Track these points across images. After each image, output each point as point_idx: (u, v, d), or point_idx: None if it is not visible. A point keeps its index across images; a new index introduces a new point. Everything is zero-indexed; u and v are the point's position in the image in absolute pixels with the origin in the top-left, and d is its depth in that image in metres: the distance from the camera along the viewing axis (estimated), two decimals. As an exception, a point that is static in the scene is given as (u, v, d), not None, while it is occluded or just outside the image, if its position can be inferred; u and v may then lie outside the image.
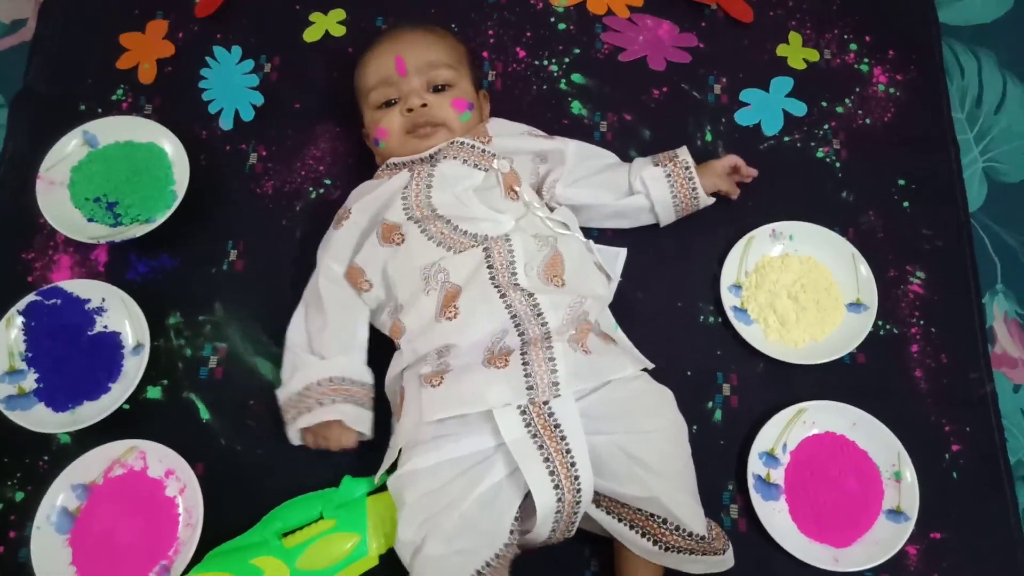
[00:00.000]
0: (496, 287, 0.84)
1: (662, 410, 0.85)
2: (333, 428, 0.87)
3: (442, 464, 0.79)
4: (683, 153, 0.99)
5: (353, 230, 0.93)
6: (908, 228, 1.06)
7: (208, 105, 1.10)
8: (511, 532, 0.78)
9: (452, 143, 0.93)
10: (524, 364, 0.80)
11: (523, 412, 0.79)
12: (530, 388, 0.79)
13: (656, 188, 0.98)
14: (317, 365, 0.88)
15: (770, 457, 0.92)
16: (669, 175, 0.98)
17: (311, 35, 1.16)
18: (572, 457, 0.77)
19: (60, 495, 0.88)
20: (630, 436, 0.80)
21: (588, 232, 0.99)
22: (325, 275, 0.91)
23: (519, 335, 0.82)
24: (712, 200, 1.01)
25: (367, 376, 0.90)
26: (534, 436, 0.78)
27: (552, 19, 1.17)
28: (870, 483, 0.91)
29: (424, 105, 0.94)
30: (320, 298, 0.90)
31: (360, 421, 0.88)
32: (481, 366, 0.81)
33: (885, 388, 0.97)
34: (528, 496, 0.78)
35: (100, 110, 1.11)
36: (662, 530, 0.79)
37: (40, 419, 0.92)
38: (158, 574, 0.86)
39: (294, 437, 0.89)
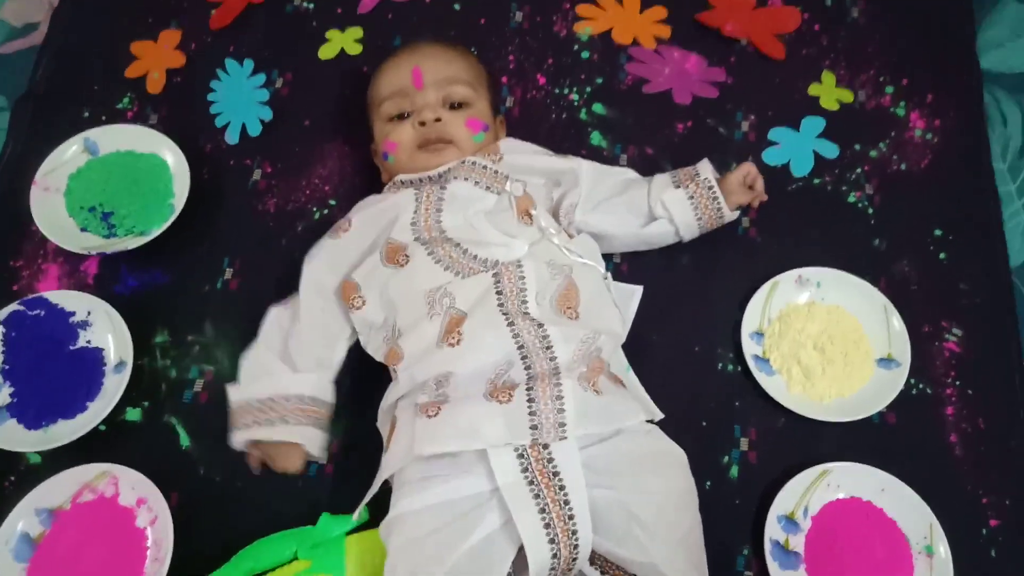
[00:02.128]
0: (504, 315, 0.79)
1: (673, 472, 0.78)
2: (294, 453, 0.82)
3: (431, 508, 0.72)
4: (704, 170, 0.94)
5: (350, 243, 0.88)
6: (944, 281, 0.99)
7: (215, 118, 1.07)
8: None
9: (463, 163, 0.89)
10: (529, 401, 0.73)
11: (520, 455, 0.72)
12: (534, 428, 0.72)
13: (679, 212, 0.92)
14: (288, 377, 0.83)
15: (789, 521, 0.85)
16: (692, 197, 0.92)
17: (326, 52, 1.13)
18: (570, 509, 0.70)
19: (22, 520, 0.83)
20: (634, 495, 0.73)
21: (606, 260, 0.93)
22: (312, 285, 0.87)
23: (525, 368, 0.76)
24: (737, 214, 0.96)
25: (333, 397, 0.86)
26: (531, 483, 0.71)
27: (575, 47, 1.13)
28: (899, 557, 0.83)
29: (438, 120, 0.89)
30: (304, 307, 0.86)
31: (321, 446, 0.83)
32: (482, 398, 0.74)
33: (917, 452, 0.89)
34: (522, 549, 0.71)
35: (104, 117, 1.08)
36: None
37: (10, 436, 0.87)
38: (119, 612, 0.79)
39: (239, 444, 0.83)
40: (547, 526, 0.70)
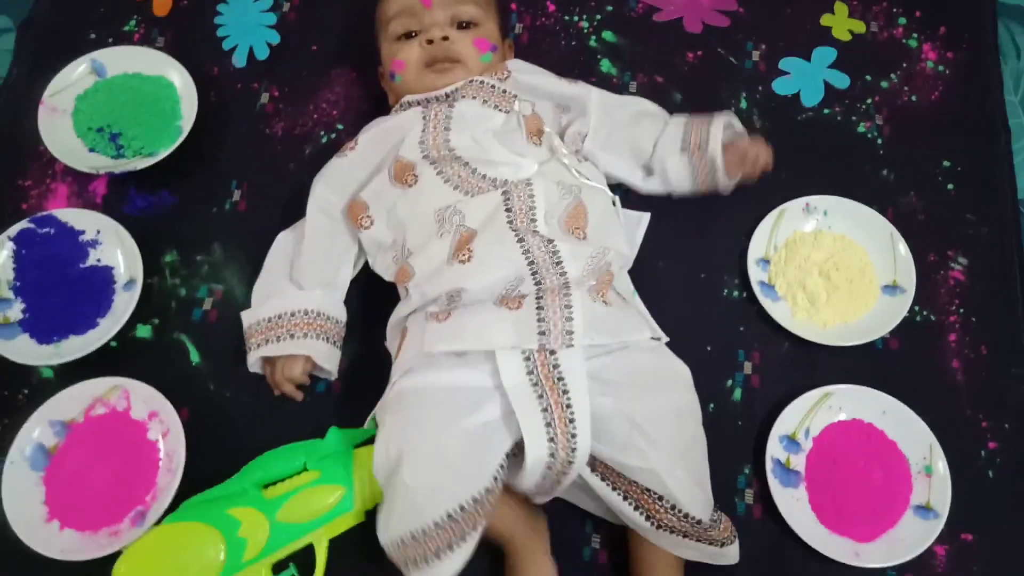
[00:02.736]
0: (514, 231, 0.79)
1: (677, 386, 0.80)
2: (296, 363, 0.84)
3: (431, 389, 0.73)
4: (714, 142, 0.88)
5: (357, 161, 0.88)
6: (951, 212, 0.99)
7: (222, 41, 1.06)
8: (495, 479, 0.72)
9: (471, 82, 0.88)
10: (539, 308, 0.74)
11: (527, 358, 0.73)
12: (542, 333, 0.73)
13: (677, 179, 0.92)
14: (294, 295, 0.85)
15: (791, 441, 0.86)
16: (694, 168, 0.91)
17: (334, -23, 1.11)
18: (572, 413, 0.72)
19: (37, 430, 0.84)
20: (638, 405, 0.75)
21: (613, 188, 0.93)
22: (318, 204, 0.87)
23: (535, 283, 0.77)
24: (733, 185, 0.93)
25: (342, 314, 0.87)
26: (535, 385, 0.72)
27: (586, -26, 1.12)
28: (898, 476, 0.84)
29: (446, 38, 0.89)
30: (310, 226, 0.87)
31: (330, 359, 0.85)
32: (492, 305, 0.75)
33: (918, 377, 0.90)
34: (518, 446, 0.73)
35: (110, 40, 1.07)
36: (656, 506, 0.73)
37: (22, 350, 0.88)
38: (133, 519, 0.81)
39: (253, 364, 0.85)
40: (548, 425, 0.71)
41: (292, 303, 0.84)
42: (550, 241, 0.78)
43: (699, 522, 0.74)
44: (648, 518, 0.74)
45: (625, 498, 0.75)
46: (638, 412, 0.74)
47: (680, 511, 0.73)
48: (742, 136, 0.93)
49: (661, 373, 0.79)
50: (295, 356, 0.83)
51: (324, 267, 0.87)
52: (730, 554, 0.77)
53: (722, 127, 0.90)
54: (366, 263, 0.90)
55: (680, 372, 0.81)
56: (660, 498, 0.73)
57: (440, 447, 0.70)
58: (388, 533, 0.71)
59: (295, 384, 0.85)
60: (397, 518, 0.70)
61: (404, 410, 0.73)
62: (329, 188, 0.88)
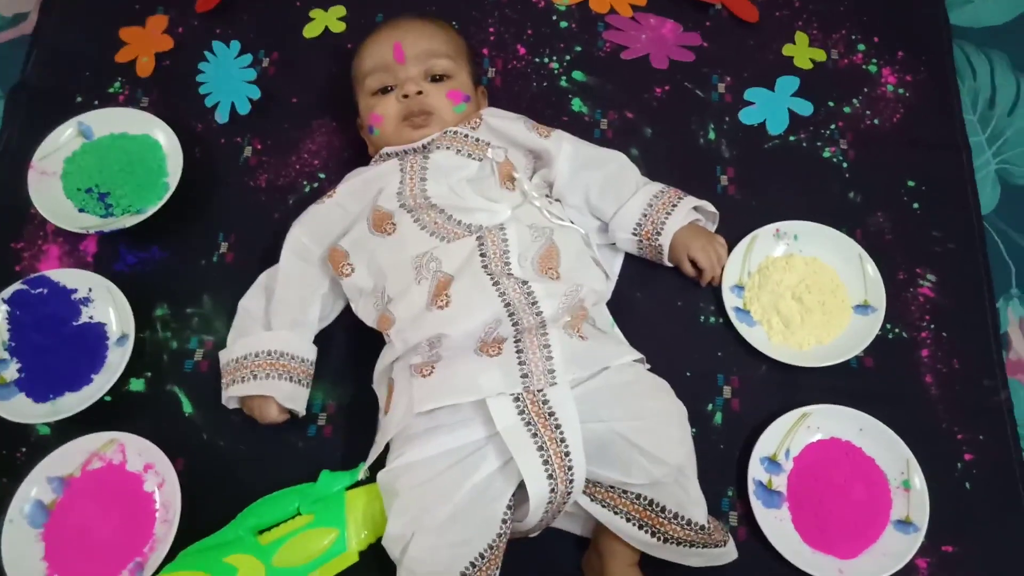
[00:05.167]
0: (489, 275, 0.82)
1: (660, 395, 0.82)
2: (268, 404, 0.87)
3: (432, 458, 0.76)
4: (666, 236, 0.92)
5: (334, 208, 0.92)
6: (918, 230, 1.02)
7: (205, 99, 1.09)
8: (504, 522, 0.75)
9: (445, 133, 0.91)
10: (518, 352, 0.77)
11: (517, 399, 0.76)
12: (525, 376, 0.76)
13: (624, 248, 0.97)
14: (261, 335, 0.88)
15: (772, 463, 0.88)
16: (641, 249, 0.95)
17: (311, 31, 1.15)
18: (566, 447, 0.74)
19: (35, 487, 0.86)
20: (629, 423, 0.77)
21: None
22: (292, 247, 0.91)
23: (513, 325, 0.80)
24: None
25: (310, 353, 0.90)
26: (528, 424, 0.75)
27: (553, 17, 1.16)
28: (877, 492, 0.86)
29: (420, 93, 0.92)
30: (283, 268, 0.90)
31: (294, 399, 0.88)
32: (473, 354, 0.78)
33: (894, 393, 0.93)
34: (520, 485, 0.75)
35: (96, 102, 1.10)
36: (660, 519, 0.76)
37: (19, 409, 0.90)
38: (132, 571, 0.83)
39: (226, 402, 0.89)
40: (545, 463, 0.74)
41: (259, 344, 0.87)
42: (524, 283, 0.81)
43: (702, 528, 0.77)
44: (653, 534, 0.76)
45: (628, 519, 0.77)
46: (631, 430, 0.76)
47: (683, 519, 0.76)
48: (713, 217, 0.97)
49: (643, 386, 0.82)
50: (266, 397, 0.86)
51: (294, 308, 0.90)
52: (729, 550, 0.80)
53: (682, 217, 0.93)
54: (346, 309, 0.93)
55: (661, 384, 0.83)
56: (663, 510, 0.76)
57: (453, 510, 0.73)
58: None
59: (277, 421, 0.88)
60: None
61: (415, 480, 0.75)
62: (304, 232, 0.91)
